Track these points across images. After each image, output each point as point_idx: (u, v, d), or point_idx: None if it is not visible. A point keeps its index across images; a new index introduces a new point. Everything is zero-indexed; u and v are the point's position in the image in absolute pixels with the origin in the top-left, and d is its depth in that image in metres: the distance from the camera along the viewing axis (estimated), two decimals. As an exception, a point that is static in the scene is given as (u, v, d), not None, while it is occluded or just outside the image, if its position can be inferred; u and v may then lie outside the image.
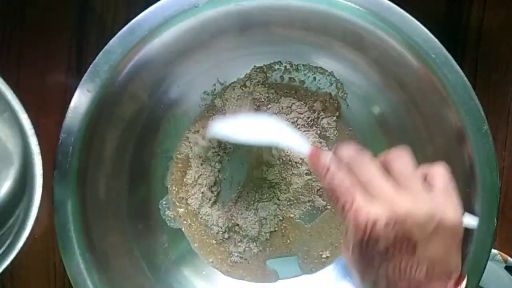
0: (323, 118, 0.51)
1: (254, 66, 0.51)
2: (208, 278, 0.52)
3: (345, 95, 0.51)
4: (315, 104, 0.51)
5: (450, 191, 0.34)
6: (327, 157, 0.35)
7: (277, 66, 0.51)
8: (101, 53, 0.43)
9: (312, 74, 0.51)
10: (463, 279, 0.34)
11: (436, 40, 0.42)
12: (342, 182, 0.33)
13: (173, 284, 0.51)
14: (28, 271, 0.55)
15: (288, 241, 0.52)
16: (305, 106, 0.51)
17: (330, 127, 0.51)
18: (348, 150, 0.34)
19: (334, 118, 0.51)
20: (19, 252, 0.41)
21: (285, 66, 0.51)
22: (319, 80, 0.51)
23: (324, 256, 0.51)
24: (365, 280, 0.34)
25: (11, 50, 0.54)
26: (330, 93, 0.51)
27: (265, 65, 0.51)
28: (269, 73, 0.51)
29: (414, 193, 0.32)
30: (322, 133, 0.51)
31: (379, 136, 0.51)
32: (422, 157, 0.46)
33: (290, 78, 0.51)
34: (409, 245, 0.31)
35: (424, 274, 0.32)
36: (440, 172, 0.35)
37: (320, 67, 0.50)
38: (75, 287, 0.43)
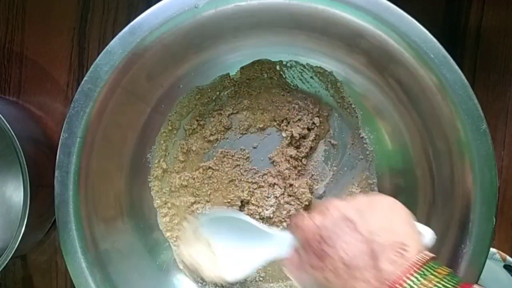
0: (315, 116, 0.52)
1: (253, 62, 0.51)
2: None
3: (345, 95, 0.51)
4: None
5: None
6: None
7: (277, 67, 0.51)
8: (102, 53, 0.43)
9: (311, 74, 0.51)
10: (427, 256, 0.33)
11: (435, 40, 0.42)
12: (298, 216, 0.39)
13: (174, 282, 0.51)
14: (30, 270, 0.55)
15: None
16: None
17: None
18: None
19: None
20: (20, 251, 0.42)
21: (286, 66, 0.51)
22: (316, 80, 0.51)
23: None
24: (327, 274, 0.34)
25: (13, 50, 0.55)
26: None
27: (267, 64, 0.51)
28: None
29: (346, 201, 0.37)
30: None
31: (379, 136, 0.51)
32: (421, 157, 0.47)
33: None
34: (348, 222, 0.34)
35: (376, 244, 0.33)
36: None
37: (320, 67, 0.51)
38: (77, 286, 0.43)
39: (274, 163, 0.52)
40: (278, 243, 0.41)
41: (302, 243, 0.37)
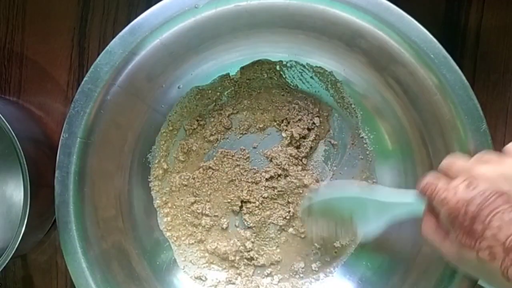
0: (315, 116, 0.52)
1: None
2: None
3: (345, 94, 0.51)
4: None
5: None
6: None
7: (277, 67, 0.51)
8: (102, 53, 0.43)
9: (311, 74, 0.51)
10: None
11: (435, 40, 0.42)
12: (429, 181, 0.36)
13: (174, 282, 0.51)
14: (30, 270, 0.55)
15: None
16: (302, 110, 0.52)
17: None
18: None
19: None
20: (20, 251, 0.42)
21: (286, 66, 0.51)
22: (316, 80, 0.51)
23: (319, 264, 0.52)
24: (481, 254, 0.31)
25: (13, 50, 0.55)
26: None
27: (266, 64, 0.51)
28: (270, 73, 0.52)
29: (491, 162, 0.34)
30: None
31: (379, 136, 0.51)
32: (421, 157, 0.47)
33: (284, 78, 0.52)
34: (501, 197, 0.30)
35: None
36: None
37: (320, 67, 0.51)
38: (78, 286, 0.43)
39: (273, 159, 0.52)
40: (406, 207, 0.39)
41: (445, 215, 0.32)
